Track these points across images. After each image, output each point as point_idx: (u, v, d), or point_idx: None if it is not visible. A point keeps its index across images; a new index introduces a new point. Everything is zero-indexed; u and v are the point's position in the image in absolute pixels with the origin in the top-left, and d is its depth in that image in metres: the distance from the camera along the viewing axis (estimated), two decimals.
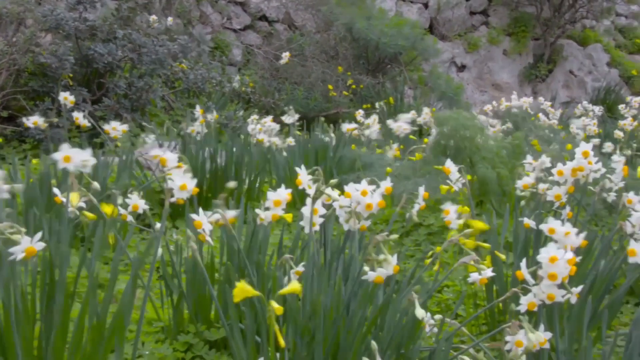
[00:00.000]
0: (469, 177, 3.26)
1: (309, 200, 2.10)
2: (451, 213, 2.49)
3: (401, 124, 5.12)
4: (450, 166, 2.89)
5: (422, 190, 2.62)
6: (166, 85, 6.37)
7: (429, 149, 4.53)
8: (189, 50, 5.84)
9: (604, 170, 2.88)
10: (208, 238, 2.02)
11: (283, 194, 2.16)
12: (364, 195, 2.06)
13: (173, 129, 4.99)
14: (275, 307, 1.62)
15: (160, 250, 2.30)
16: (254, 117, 5.19)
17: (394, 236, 1.95)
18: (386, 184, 2.21)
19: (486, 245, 2.44)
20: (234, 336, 1.97)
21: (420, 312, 1.91)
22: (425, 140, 4.90)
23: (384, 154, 4.91)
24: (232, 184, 2.38)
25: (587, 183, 2.71)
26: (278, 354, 2.00)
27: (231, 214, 2.12)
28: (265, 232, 2.39)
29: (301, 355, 1.94)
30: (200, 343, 2.24)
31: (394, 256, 1.84)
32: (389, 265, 1.83)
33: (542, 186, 2.85)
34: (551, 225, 2.02)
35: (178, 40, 5.92)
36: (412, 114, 6.30)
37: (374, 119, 5.45)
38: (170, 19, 6.94)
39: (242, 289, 1.62)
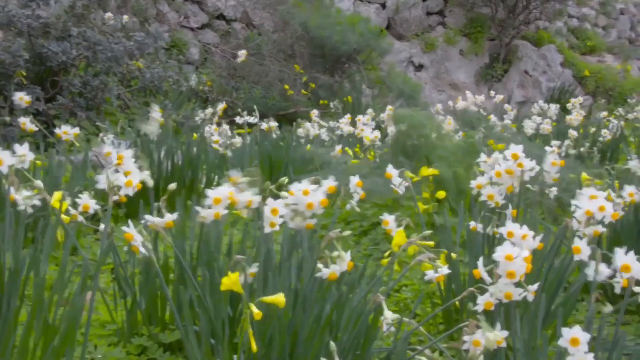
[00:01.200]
0: (427, 175, 3.28)
1: (270, 200, 2.08)
2: (391, 223, 2.48)
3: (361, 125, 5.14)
4: (392, 171, 2.91)
5: (354, 180, 2.62)
6: (122, 83, 6.27)
7: (389, 147, 4.53)
8: (145, 47, 5.75)
9: (538, 167, 2.89)
10: (142, 249, 1.98)
11: (224, 192, 2.11)
12: (306, 195, 2.04)
13: (129, 128, 4.92)
14: (255, 312, 1.60)
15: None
16: (208, 111, 5.12)
17: (347, 233, 1.94)
18: (329, 183, 2.18)
19: (429, 243, 2.44)
20: (188, 338, 1.93)
21: (389, 315, 1.90)
22: (372, 137, 4.90)
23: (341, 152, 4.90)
24: (171, 186, 2.33)
25: (524, 182, 2.74)
26: (235, 356, 1.98)
27: (170, 217, 2.09)
28: (218, 232, 2.36)
29: (258, 357, 1.92)
30: (154, 346, 2.20)
31: (348, 253, 1.83)
32: (342, 261, 1.82)
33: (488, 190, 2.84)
34: (509, 228, 2.03)
35: (134, 37, 5.82)
36: (369, 112, 6.33)
37: (348, 117, 5.43)
38: (125, 16, 6.83)
39: (232, 281, 1.61)
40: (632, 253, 1.82)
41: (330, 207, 3.95)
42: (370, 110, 6.38)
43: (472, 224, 2.61)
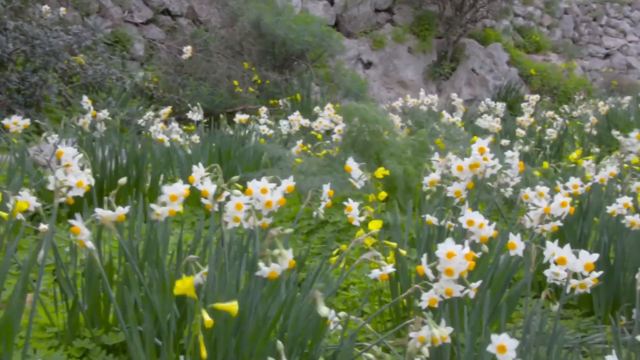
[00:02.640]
0: (380, 172, 3.27)
1: (234, 196, 2.04)
2: (354, 209, 2.47)
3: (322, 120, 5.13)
4: (351, 164, 2.88)
5: (326, 188, 2.59)
6: (63, 80, 6.12)
7: (339, 144, 4.53)
8: (83, 39, 5.61)
9: (500, 166, 2.93)
10: (89, 244, 1.93)
11: (180, 188, 2.08)
12: (264, 193, 2.01)
13: (71, 125, 4.80)
14: (207, 319, 1.58)
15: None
16: (150, 113, 5.04)
17: (289, 230, 1.92)
18: (288, 182, 2.17)
19: (391, 243, 2.45)
20: (133, 340, 1.89)
21: (323, 310, 1.88)
22: (319, 136, 4.90)
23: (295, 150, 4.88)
24: (122, 181, 2.29)
25: (484, 179, 2.76)
26: (182, 357, 1.94)
27: (122, 210, 2.04)
28: (165, 231, 2.32)
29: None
30: (97, 348, 2.15)
31: (289, 250, 1.81)
32: (284, 260, 1.80)
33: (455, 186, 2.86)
34: (469, 217, 2.05)
35: (71, 30, 5.67)
36: (317, 109, 6.32)
37: (297, 114, 5.41)
38: (63, 9, 6.66)
39: (187, 286, 1.60)
40: (567, 246, 1.84)
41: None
42: (317, 108, 6.37)
43: (428, 217, 2.62)
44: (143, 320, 1.92)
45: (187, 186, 2.09)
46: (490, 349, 1.63)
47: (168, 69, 7.54)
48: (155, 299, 2.00)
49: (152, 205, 2.12)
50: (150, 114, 5.01)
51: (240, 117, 5.08)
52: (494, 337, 1.63)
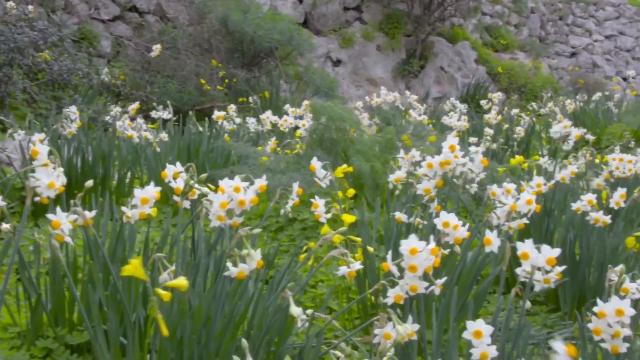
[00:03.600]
0: (346, 169, 3.27)
1: (216, 195, 2.03)
2: (320, 207, 2.47)
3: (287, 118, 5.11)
4: (315, 164, 2.88)
5: (296, 187, 2.59)
6: (28, 77, 6.02)
7: (306, 142, 4.52)
8: (49, 35, 5.53)
9: (470, 164, 2.95)
10: (68, 239, 1.90)
11: (151, 191, 2.07)
12: (237, 192, 2.00)
13: (36, 122, 4.73)
14: (163, 293, 1.56)
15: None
16: (117, 109, 4.99)
17: (257, 230, 1.91)
18: (261, 182, 2.17)
19: (357, 239, 2.44)
20: (97, 339, 1.87)
21: (295, 310, 1.87)
22: (297, 134, 4.89)
23: (262, 148, 4.86)
24: (88, 183, 2.26)
25: (454, 176, 2.77)
26: (148, 356, 1.92)
27: (89, 214, 2.01)
28: (132, 229, 2.29)
29: (169, 356, 1.87)
30: (60, 348, 2.12)
31: (258, 251, 1.80)
32: (252, 260, 1.79)
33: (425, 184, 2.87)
34: (445, 218, 2.05)
35: (37, 26, 5.58)
36: (287, 107, 6.30)
37: (267, 114, 5.38)
38: (30, 7, 6.56)
39: (135, 267, 1.57)
40: (530, 241, 1.85)
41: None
42: (287, 106, 6.36)
43: (397, 214, 2.62)
44: (108, 319, 1.90)
45: (159, 189, 2.07)
46: (466, 335, 1.63)
47: (135, 66, 7.46)
48: (123, 297, 1.97)
49: (123, 208, 2.10)
50: (117, 109, 4.95)
51: (218, 114, 5.04)
52: (469, 323, 1.63)
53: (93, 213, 2.02)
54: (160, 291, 1.58)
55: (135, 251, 2.39)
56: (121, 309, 1.96)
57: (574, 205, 2.99)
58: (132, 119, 5.10)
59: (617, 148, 5.80)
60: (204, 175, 2.22)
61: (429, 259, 1.75)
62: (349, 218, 2.49)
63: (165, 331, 1.60)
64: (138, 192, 2.05)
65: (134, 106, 4.85)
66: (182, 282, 1.61)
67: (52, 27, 5.64)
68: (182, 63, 7.50)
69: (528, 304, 2.00)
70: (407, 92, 8.79)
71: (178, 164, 2.24)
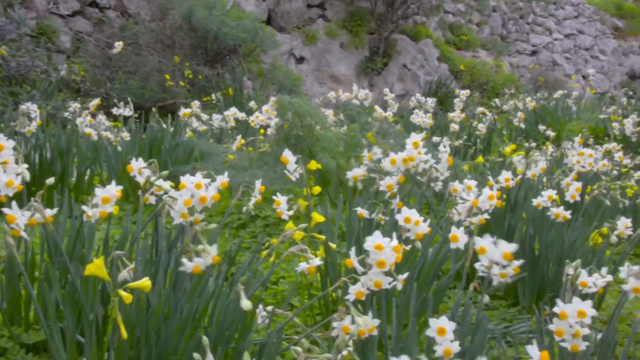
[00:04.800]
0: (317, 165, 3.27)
1: (173, 192, 2.00)
2: (282, 204, 2.46)
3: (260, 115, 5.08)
4: (288, 156, 2.87)
5: (258, 184, 2.58)
6: None
7: (272, 139, 4.50)
8: (7, 32, 5.43)
9: (433, 161, 2.97)
10: (23, 233, 1.87)
11: (112, 190, 2.04)
12: (198, 188, 1.98)
13: None
14: (124, 295, 1.54)
15: None
16: (76, 105, 4.92)
17: (213, 225, 1.90)
18: (222, 179, 2.15)
19: (321, 237, 2.45)
20: (53, 338, 1.84)
21: (245, 304, 1.86)
22: (262, 131, 4.88)
23: (228, 145, 4.83)
24: (49, 181, 2.23)
25: (417, 173, 2.79)
26: (106, 354, 1.90)
27: (50, 212, 1.98)
28: (91, 227, 2.26)
29: (127, 355, 1.85)
30: (15, 347, 2.08)
31: (214, 246, 1.79)
32: (207, 255, 1.78)
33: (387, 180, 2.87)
34: (406, 214, 2.06)
35: None
36: (252, 104, 6.29)
37: (233, 111, 5.34)
38: None
39: (98, 267, 1.56)
40: (488, 237, 1.87)
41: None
42: (253, 103, 6.34)
43: (359, 210, 2.63)
44: (65, 317, 1.87)
45: (120, 188, 2.05)
46: (430, 332, 1.64)
47: (96, 62, 7.36)
48: (81, 296, 1.95)
49: (84, 207, 2.07)
50: (76, 106, 4.88)
51: (184, 111, 5.00)
52: (432, 320, 1.64)
53: (54, 211, 1.99)
54: (122, 293, 1.56)
55: (95, 249, 2.36)
56: (79, 308, 1.94)
57: (535, 201, 3.03)
58: (93, 115, 5.03)
59: (576, 144, 5.89)
60: (165, 173, 2.20)
61: (393, 255, 1.76)
62: (318, 217, 2.49)
63: (124, 334, 1.58)
64: (99, 191, 2.02)
65: (94, 102, 4.79)
66: (145, 283, 1.60)
67: (10, 23, 5.53)
68: (144, 59, 7.42)
69: (487, 299, 2.02)
70: (365, 91, 8.81)
71: (140, 160, 2.22)
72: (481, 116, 7.75)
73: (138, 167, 2.20)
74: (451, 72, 11.73)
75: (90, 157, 4.15)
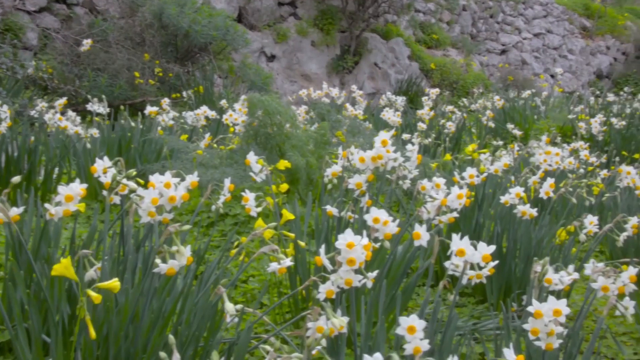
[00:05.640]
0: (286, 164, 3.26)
1: (141, 190, 1.98)
2: (250, 200, 2.46)
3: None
4: (251, 158, 2.86)
5: (227, 182, 2.57)
6: None
7: (241, 136, 4.49)
8: None
9: (402, 159, 2.98)
10: None
11: (76, 188, 2.02)
12: (168, 188, 1.97)
13: None
14: (94, 295, 1.53)
15: None
16: (43, 104, 4.85)
17: (187, 226, 1.88)
18: (192, 178, 2.14)
19: (291, 235, 2.44)
20: (18, 338, 1.82)
21: (229, 307, 1.86)
22: (231, 129, 4.86)
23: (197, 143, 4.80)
24: (15, 179, 2.20)
25: (385, 171, 2.79)
26: (72, 354, 1.88)
27: (15, 211, 1.95)
28: (57, 226, 2.24)
29: (94, 355, 1.83)
30: None
31: (187, 247, 1.78)
32: (181, 256, 1.77)
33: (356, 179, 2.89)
34: (375, 214, 2.06)
35: None
36: (223, 102, 6.25)
37: (204, 109, 5.30)
38: None
39: (64, 266, 1.54)
40: (466, 238, 1.88)
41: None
42: (224, 101, 6.31)
43: (328, 208, 2.63)
44: (30, 317, 1.85)
45: (85, 186, 2.02)
46: (400, 331, 1.65)
47: (64, 59, 7.26)
48: (45, 296, 1.93)
49: (47, 205, 2.04)
50: (43, 104, 4.82)
51: (150, 110, 4.96)
52: (402, 318, 1.65)
53: (20, 209, 1.96)
54: (92, 293, 1.55)
55: (61, 248, 2.33)
56: (44, 307, 1.92)
57: (502, 199, 3.06)
58: (61, 113, 4.97)
59: (542, 143, 5.95)
60: (132, 171, 2.18)
61: (363, 253, 1.77)
62: (288, 214, 2.49)
63: (93, 334, 1.57)
64: (62, 189, 2.00)
65: (61, 101, 4.73)
66: (114, 283, 1.58)
67: None
68: (113, 57, 7.34)
69: (454, 295, 2.04)
70: (336, 89, 8.82)
71: (106, 158, 2.20)
72: (450, 115, 7.80)
73: (103, 167, 2.17)
74: (422, 70, 11.79)
75: (59, 155, 4.10)
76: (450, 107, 8.15)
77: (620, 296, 2.00)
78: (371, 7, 11.23)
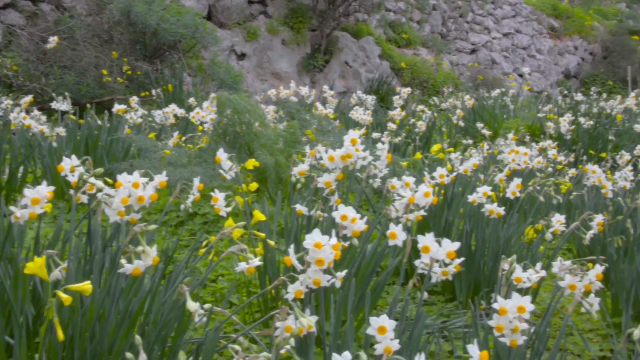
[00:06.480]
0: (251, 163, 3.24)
1: (108, 189, 1.95)
2: (220, 200, 2.44)
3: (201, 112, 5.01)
4: (221, 155, 2.83)
5: (196, 181, 2.55)
6: None
7: (210, 135, 4.46)
8: None
9: (371, 157, 2.98)
10: None
11: (43, 191, 1.98)
12: (136, 187, 1.95)
13: None
14: (64, 297, 1.50)
15: None
16: (8, 102, 4.78)
17: (153, 226, 1.86)
18: (160, 177, 2.12)
19: (261, 234, 2.43)
20: None
21: (192, 305, 1.84)
22: (200, 128, 4.82)
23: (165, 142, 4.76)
24: None
25: (355, 170, 2.79)
26: (36, 355, 1.85)
27: None
28: (22, 226, 2.20)
29: (59, 356, 1.80)
30: None
31: (153, 247, 1.76)
32: (147, 256, 1.75)
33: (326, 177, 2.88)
34: (343, 212, 2.06)
35: None
36: (192, 100, 6.22)
37: (172, 107, 5.25)
38: None
39: (38, 265, 1.55)
40: (431, 235, 1.89)
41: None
42: (192, 99, 6.27)
43: (298, 207, 2.62)
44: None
45: (52, 188, 1.99)
46: (370, 331, 1.64)
47: (29, 57, 7.15)
48: (9, 297, 1.89)
49: (12, 208, 2.00)
50: (8, 102, 4.74)
51: (118, 108, 4.91)
52: (373, 319, 1.64)
53: None
54: (62, 295, 1.52)
55: (26, 247, 2.29)
56: (8, 309, 1.88)
57: (470, 197, 3.07)
58: (27, 111, 4.89)
59: (509, 141, 6.00)
60: (99, 170, 2.15)
61: (332, 253, 1.76)
62: (259, 215, 2.48)
63: (61, 335, 1.54)
64: (28, 192, 1.96)
65: (27, 99, 4.66)
66: (85, 286, 1.56)
67: None
68: (80, 54, 7.25)
69: (425, 295, 2.04)
70: (306, 88, 8.81)
71: (74, 157, 2.17)
72: (420, 114, 7.83)
73: (70, 165, 2.14)
74: (392, 69, 11.82)
75: (24, 154, 4.04)
76: (421, 107, 8.18)
77: (587, 293, 2.02)
78: (342, 5, 11.24)
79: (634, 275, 2.81)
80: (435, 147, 4.87)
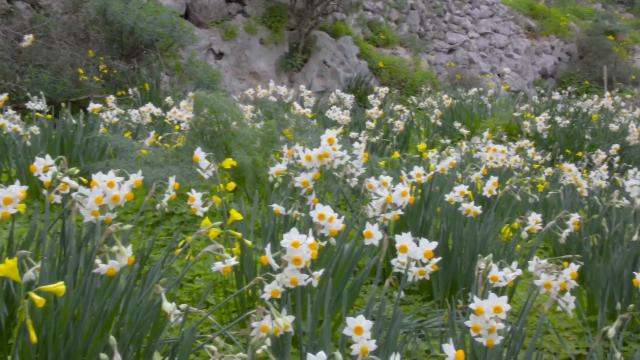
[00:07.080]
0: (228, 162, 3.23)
1: (83, 189, 1.93)
2: (197, 200, 2.43)
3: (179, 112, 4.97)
4: (199, 154, 2.82)
5: (172, 181, 2.53)
6: None
7: (187, 135, 4.44)
8: None
9: (348, 157, 2.98)
10: None
11: (15, 191, 1.95)
12: (111, 187, 1.93)
13: None
14: (37, 298, 1.48)
15: None
16: None
17: (127, 226, 1.85)
18: (136, 177, 2.10)
19: (238, 234, 2.42)
20: None
21: (167, 306, 1.82)
22: (177, 127, 4.79)
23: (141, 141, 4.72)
24: None
25: (332, 169, 2.79)
26: (9, 357, 1.83)
27: None
28: None
29: (32, 357, 1.78)
30: None
31: (128, 247, 1.74)
32: (122, 256, 1.73)
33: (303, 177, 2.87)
34: (320, 211, 2.06)
35: None
36: (168, 99, 6.18)
37: (149, 107, 5.21)
38: None
39: (9, 267, 1.53)
40: (409, 234, 1.89)
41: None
42: (169, 98, 6.24)
43: (275, 206, 2.61)
44: None
45: (25, 188, 1.96)
46: (347, 331, 1.63)
47: (4, 55, 7.07)
48: None
49: None
50: None
51: (93, 107, 4.86)
52: (349, 319, 1.64)
53: None
54: (35, 296, 1.50)
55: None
56: None
57: (447, 197, 3.08)
58: (1, 110, 4.84)
59: (485, 139, 6.03)
60: (73, 169, 2.13)
61: (309, 252, 1.76)
62: (236, 215, 2.46)
63: (34, 338, 1.53)
64: (0, 192, 1.93)
65: (1, 98, 4.60)
66: (59, 287, 1.54)
67: None
68: (56, 53, 7.17)
69: (402, 294, 2.04)
70: (284, 87, 8.79)
71: (48, 156, 2.14)
72: (399, 113, 7.84)
73: (44, 165, 2.11)
74: (370, 69, 11.83)
75: None
76: (399, 106, 8.20)
77: (562, 292, 2.03)
78: (320, 5, 11.23)
79: (609, 274, 2.83)
80: (420, 146, 4.88)
